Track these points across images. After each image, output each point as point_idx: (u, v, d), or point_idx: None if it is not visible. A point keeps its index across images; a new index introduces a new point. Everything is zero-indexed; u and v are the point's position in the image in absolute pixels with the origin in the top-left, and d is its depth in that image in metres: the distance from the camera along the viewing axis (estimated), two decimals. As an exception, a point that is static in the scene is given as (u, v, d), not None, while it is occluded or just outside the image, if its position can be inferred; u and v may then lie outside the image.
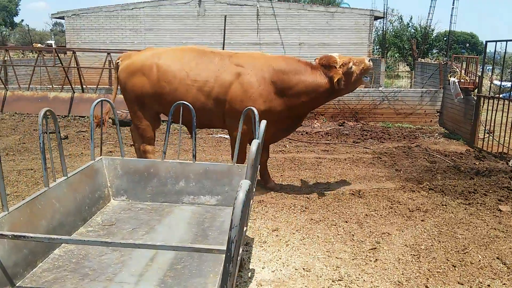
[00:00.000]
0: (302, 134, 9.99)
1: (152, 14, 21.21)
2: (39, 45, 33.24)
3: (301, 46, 21.59)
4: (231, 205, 3.30)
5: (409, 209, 5.28)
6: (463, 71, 10.44)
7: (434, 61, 15.65)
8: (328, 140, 9.44)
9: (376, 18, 22.74)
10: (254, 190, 3.43)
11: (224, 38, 15.46)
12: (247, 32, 21.37)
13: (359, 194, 5.75)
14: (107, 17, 21.13)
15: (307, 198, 5.50)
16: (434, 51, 34.76)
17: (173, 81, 5.14)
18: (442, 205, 5.48)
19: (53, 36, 48.49)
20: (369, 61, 5.38)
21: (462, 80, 10.13)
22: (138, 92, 5.27)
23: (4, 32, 47.35)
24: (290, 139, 9.34)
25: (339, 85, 5.15)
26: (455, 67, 11.08)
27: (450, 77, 10.67)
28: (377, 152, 8.35)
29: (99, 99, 3.88)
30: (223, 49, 15.03)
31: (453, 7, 19.91)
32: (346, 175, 6.66)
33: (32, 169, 6.33)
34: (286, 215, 4.97)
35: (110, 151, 7.56)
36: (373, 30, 22.47)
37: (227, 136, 9.36)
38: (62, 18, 21.51)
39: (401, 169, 7.11)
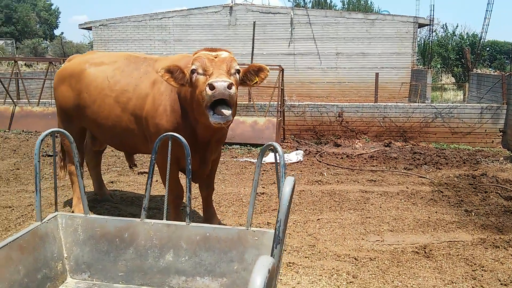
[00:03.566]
0: (342, 157, 8.50)
1: (181, 24, 20.27)
2: (75, 57, 32.99)
3: (338, 56, 20.10)
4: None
5: (500, 281, 3.73)
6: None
7: (493, 72, 13.82)
8: (374, 166, 7.91)
9: (421, 25, 20.95)
10: (283, 247, 2.07)
11: (253, 47, 14.17)
12: (280, 42, 20.07)
13: (425, 252, 4.23)
14: (135, 27, 20.35)
15: (355, 259, 4.03)
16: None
17: (93, 92, 4.22)
18: (545, 271, 3.92)
19: (91, 48, 48.77)
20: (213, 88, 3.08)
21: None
22: (63, 102, 4.44)
23: (43, 45, 48.13)
24: (328, 165, 7.89)
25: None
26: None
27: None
28: (436, 183, 6.78)
29: (49, 130, 2.62)
30: (252, 59, 13.73)
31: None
32: (404, 219, 5.14)
33: (10, 207, 5.13)
34: (325, 288, 3.54)
35: (112, 181, 6.33)
36: (417, 39, 20.63)
37: (254, 160, 8.01)
38: (90, 28, 20.92)
39: (472, 210, 5.54)
